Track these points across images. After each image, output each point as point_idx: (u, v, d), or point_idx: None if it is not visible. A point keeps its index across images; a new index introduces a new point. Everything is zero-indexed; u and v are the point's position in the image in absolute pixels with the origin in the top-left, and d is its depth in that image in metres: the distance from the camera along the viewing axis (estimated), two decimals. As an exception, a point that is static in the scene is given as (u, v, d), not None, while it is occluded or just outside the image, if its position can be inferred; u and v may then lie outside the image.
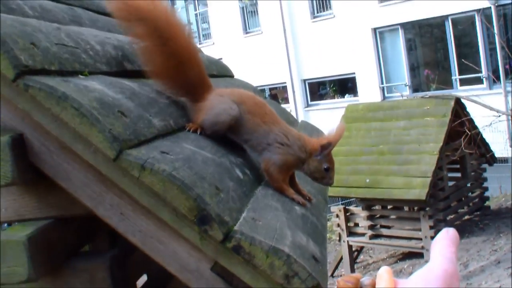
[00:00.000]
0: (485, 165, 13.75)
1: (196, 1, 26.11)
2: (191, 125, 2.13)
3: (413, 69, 19.70)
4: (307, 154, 2.09)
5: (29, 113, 1.66)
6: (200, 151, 1.90)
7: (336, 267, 13.48)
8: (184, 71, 2.17)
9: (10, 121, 1.73)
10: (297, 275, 1.55)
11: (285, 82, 22.49)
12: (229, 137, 2.17)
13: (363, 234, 12.85)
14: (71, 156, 1.68)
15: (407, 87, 19.04)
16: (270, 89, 22.67)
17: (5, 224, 2.02)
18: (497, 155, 14.06)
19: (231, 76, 4.19)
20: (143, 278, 3.36)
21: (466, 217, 13.26)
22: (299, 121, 4.65)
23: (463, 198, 13.25)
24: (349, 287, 0.90)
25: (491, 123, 11.24)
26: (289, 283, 1.55)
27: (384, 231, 12.55)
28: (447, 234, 0.91)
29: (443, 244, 0.89)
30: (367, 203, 12.47)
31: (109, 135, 1.57)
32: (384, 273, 0.90)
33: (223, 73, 3.91)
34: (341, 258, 13.39)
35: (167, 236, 1.66)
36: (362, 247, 13.83)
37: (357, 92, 20.68)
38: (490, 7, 16.02)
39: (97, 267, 1.93)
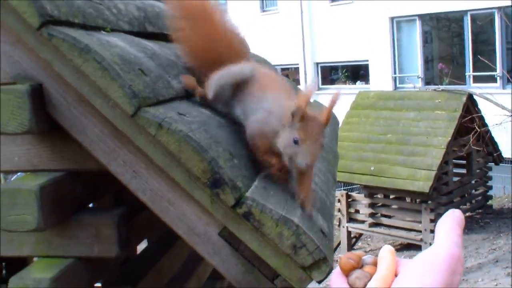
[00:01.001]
0: (491, 164, 13.69)
1: (215, -26, 25.89)
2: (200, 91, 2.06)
3: (427, 61, 19.54)
4: (282, 125, 1.69)
5: (50, 63, 1.66)
6: (215, 116, 1.91)
7: (333, 252, 13.52)
8: (220, 55, 2.12)
9: (31, 70, 1.73)
10: (304, 247, 1.56)
11: (297, 64, 22.36)
12: (230, 114, 2.01)
13: (363, 221, 12.86)
14: (88, 109, 1.69)
15: (420, 79, 18.90)
16: (282, 69, 22.52)
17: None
18: (504, 155, 13.98)
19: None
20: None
21: (468, 214, 13.23)
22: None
23: (466, 195, 13.20)
24: (351, 264, 0.90)
25: (501, 122, 11.15)
26: (296, 254, 1.56)
27: (385, 220, 12.55)
28: (453, 216, 0.88)
29: (449, 226, 0.86)
30: (370, 191, 12.46)
31: (129, 91, 1.57)
32: (386, 253, 0.89)
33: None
34: (339, 243, 13.43)
35: (177, 197, 1.67)
36: (361, 234, 13.85)
37: (369, 79, 20.54)
38: (511, 6, 15.85)
39: (104, 223, 1.94)
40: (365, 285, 0.85)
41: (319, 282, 1.59)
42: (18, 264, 3.03)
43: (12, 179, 2.16)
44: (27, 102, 1.67)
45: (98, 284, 2.84)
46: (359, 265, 0.90)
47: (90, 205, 2.49)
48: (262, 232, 1.56)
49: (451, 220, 0.88)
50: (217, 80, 1.94)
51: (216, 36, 2.15)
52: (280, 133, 1.67)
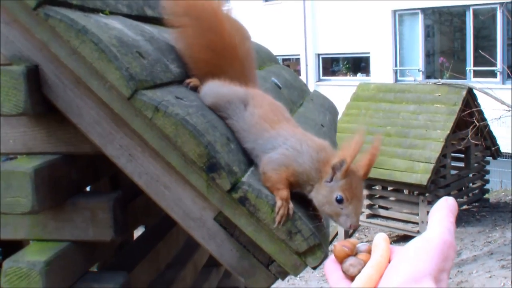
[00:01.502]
0: (489, 158, 13.69)
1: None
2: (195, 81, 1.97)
3: (428, 55, 19.51)
4: (318, 175, 1.57)
5: (47, 44, 1.64)
6: (213, 102, 1.89)
7: (331, 242, 13.55)
8: (223, 67, 2.01)
9: (27, 51, 1.71)
10: (300, 233, 1.55)
11: (299, 55, 22.32)
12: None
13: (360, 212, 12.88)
14: (85, 92, 1.67)
15: (420, 72, 18.89)
16: (283, 60, 22.51)
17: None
18: (502, 149, 13.98)
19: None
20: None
21: (464, 207, 13.25)
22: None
23: (463, 188, 13.22)
24: (345, 252, 0.90)
25: (500, 117, 11.14)
26: (291, 239, 1.55)
27: (382, 212, 12.56)
28: (446, 203, 0.90)
29: (442, 213, 0.88)
30: (368, 183, 12.43)
31: (126, 74, 1.56)
32: (381, 241, 0.90)
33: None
34: (336, 234, 13.45)
35: (173, 182, 1.66)
36: (358, 226, 13.88)
37: (369, 72, 20.52)
38: (514, 1, 15.81)
39: (100, 207, 1.93)
40: (359, 272, 0.85)
41: (314, 268, 1.58)
42: (13, 247, 3.03)
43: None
44: (23, 83, 1.65)
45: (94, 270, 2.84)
46: (353, 252, 0.91)
47: (88, 188, 2.49)
48: (258, 217, 1.55)
49: (445, 208, 0.89)
50: (209, 94, 1.87)
51: (221, 45, 2.03)
52: (317, 187, 1.56)
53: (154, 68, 1.73)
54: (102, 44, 1.57)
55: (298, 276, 10.38)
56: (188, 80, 1.95)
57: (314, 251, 1.56)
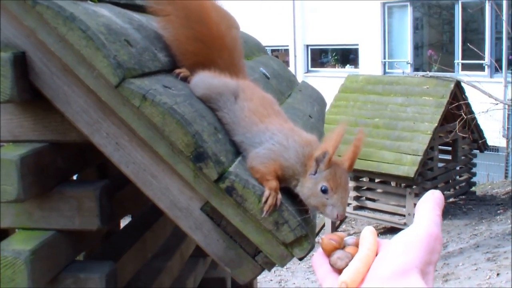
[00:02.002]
0: (476, 151, 13.78)
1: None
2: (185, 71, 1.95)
3: (417, 48, 19.56)
4: (304, 169, 1.60)
5: (34, 31, 1.63)
6: (202, 92, 1.88)
7: (317, 234, 13.58)
8: (212, 58, 1.99)
9: (14, 38, 1.69)
10: (286, 223, 1.55)
11: (287, 46, 22.30)
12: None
13: (347, 204, 12.86)
14: (72, 79, 1.66)
15: (409, 65, 18.95)
16: (272, 51, 22.46)
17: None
18: (489, 143, 14.08)
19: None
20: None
21: (451, 199, 13.34)
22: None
23: (450, 181, 13.30)
24: (333, 245, 0.90)
25: (487, 110, 11.20)
26: (278, 230, 1.55)
27: (369, 204, 12.61)
28: (433, 196, 0.91)
29: (429, 207, 0.89)
30: (356, 174, 12.47)
31: (113, 61, 1.55)
32: (368, 234, 0.90)
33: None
34: (323, 226, 13.49)
35: (160, 171, 1.65)
36: (345, 217, 13.93)
37: (358, 64, 20.55)
38: (502, -4, 15.86)
39: (85, 195, 1.92)
40: (347, 265, 0.86)
41: (301, 259, 1.58)
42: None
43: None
44: (9, 70, 1.64)
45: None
46: (341, 246, 0.91)
47: (74, 177, 2.47)
48: (245, 207, 1.55)
49: (431, 201, 0.90)
50: (199, 85, 1.85)
51: (209, 36, 2.00)
52: (302, 181, 1.58)
53: (142, 57, 1.72)
54: (90, 32, 1.56)
55: (285, 267, 10.41)
56: (177, 71, 1.93)
57: (301, 242, 1.56)
